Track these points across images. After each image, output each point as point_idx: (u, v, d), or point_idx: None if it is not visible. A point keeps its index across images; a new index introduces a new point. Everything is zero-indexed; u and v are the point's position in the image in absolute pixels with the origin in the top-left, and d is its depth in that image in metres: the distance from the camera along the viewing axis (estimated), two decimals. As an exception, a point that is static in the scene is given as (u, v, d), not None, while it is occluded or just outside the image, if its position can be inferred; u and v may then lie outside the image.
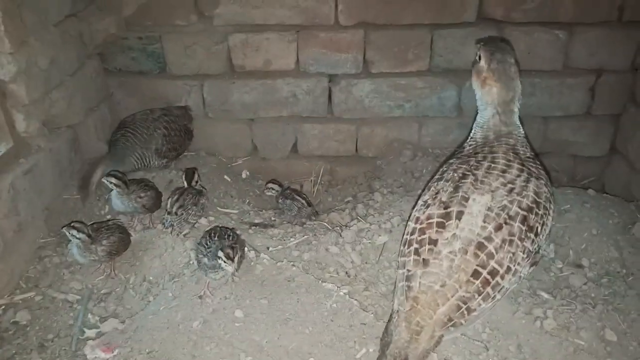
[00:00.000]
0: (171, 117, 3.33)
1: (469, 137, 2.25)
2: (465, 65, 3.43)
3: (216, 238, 2.36)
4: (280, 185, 3.19)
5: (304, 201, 3.12)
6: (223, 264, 2.20)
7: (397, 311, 1.86)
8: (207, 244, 2.34)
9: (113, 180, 2.71)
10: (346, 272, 2.51)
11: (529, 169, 2.02)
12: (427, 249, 1.85)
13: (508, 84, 2.08)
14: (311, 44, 3.40)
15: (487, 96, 2.13)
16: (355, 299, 2.31)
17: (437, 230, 1.87)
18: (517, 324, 2.21)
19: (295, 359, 2.04)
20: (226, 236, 2.40)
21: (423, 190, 2.18)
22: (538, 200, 1.92)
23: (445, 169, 2.12)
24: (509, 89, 2.08)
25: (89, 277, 2.55)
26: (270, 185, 3.18)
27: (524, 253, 1.85)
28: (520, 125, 2.18)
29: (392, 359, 1.79)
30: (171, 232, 2.70)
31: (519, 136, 2.15)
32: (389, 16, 3.30)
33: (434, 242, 1.85)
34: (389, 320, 1.92)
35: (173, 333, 2.13)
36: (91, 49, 3.22)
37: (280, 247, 2.68)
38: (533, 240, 1.87)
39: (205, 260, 2.28)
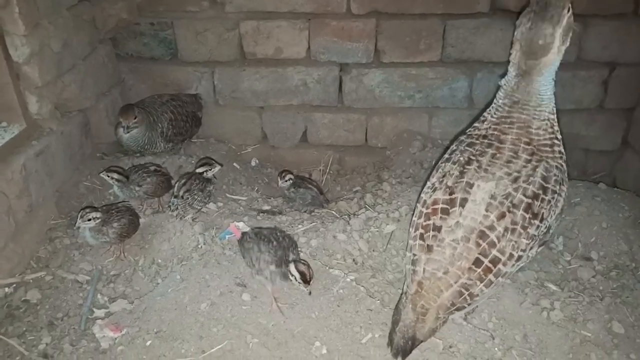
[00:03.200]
0: (179, 102, 3.36)
1: (490, 108, 2.09)
2: (477, 56, 3.42)
3: (276, 243, 2.27)
4: (292, 173, 3.16)
5: (316, 189, 3.12)
6: (296, 283, 2.15)
7: (405, 292, 1.92)
8: (272, 251, 2.23)
9: (115, 175, 2.73)
10: (353, 260, 2.52)
11: (539, 155, 1.91)
12: (431, 235, 1.88)
13: (533, 54, 1.78)
14: (322, 33, 3.40)
15: (512, 60, 1.90)
16: (362, 286, 2.32)
17: (441, 217, 1.88)
18: (523, 314, 2.21)
19: (301, 342, 2.05)
20: (284, 241, 2.31)
21: (432, 170, 2.15)
22: (546, 185, 1.85)
23: (455, 147, 2.06)
24: (535, 58, 1.77)
25: (98, 259, 2.57)
26: (287, 175, 3.08)
27: (527, 239, 1.83)
28: (552, 98, 1.95)
29: (402, 335, 1.88)
30: (175, 216, 2.72)
31: (541, 110, 1.92)
32: (401, 5, 3.29)
33: (437, 229, 1.87)
34: (399, 300, 1.98)
35: (181, 314, 2.16)
36: (103, 33, 3.25)
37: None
38: (538, 226, 1.85)
39: (273, 268, 2.19)
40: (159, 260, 2.58)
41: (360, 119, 3.67)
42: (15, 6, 2.39)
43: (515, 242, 1.81)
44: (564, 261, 2.56)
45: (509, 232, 1.81)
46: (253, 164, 3.73)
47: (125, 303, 2.35)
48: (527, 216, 1.82)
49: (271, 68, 3.51)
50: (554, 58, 1.88)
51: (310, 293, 2.18)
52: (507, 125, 1.97)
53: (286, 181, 3.08)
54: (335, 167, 3.82)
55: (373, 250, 2.56)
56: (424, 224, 1.91)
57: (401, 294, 1.99)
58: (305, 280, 2.13)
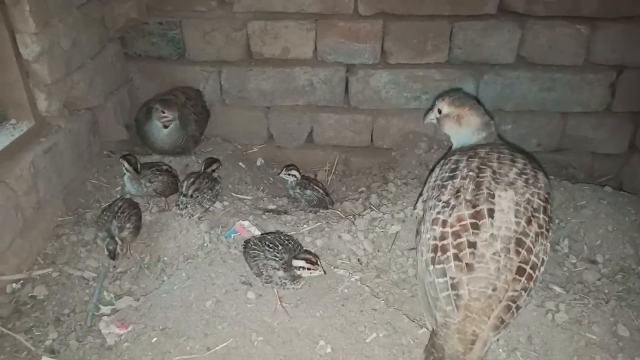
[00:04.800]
0: (194, 101, 3.45)
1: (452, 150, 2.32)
2: (484, 59, 3.43)
3: (281, 247, 2.26)
4: (299, 171, 3.14)
5: (322, 191, 3.13)
6: (307, 272, 2.15)
7: (445, 324, 1.77)
8: (277, 256, 2.21)
9: (125, 164, 2.75)
10: (358, 260, 2.52)
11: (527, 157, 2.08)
12: (468, 253, 1.78)
13: (480, 110, 2.26)
14: (330, 33, 3.41)
15: (467, 127, 2.26)
16: (367, 286, 2.32)
17: (473, 232, 1.81)
18: (528, 316, 2.20)
19: (306, 340, 2.06)
20: (289, 244, 2.30)
21: (424, 188, 2.21)
22: (548, 190, 1.97)
23: (453, 166, 2.05)
24: (484, 114, 2.25)
25: (105, 256, 2.58)
26: (292, 172, 3.09)
27: (548, 242, 1.88)
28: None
29: None
30: (185, 214, 2.73)
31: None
32: (408, 6, 3.29)
33: (473, 245, 1.79)
34: (433, 336, 1.82)
35: (186, 311, 2.17)
36: (112, 32, 3.27)
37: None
38: (550, 229, 1.88)
39: (281, 273, 2.18)
40: (165, 258, 2.59)
41: (366, 120, 3.68)
42: (26, 4, 2.41)
43: (544, 245, 1.84)
44: (569, 264, 2.56)
45: (540, 237, 1.83)
46: (259, 163, 3.74)
47: (131, 300, 2.36)
48: (547, 219, 1.87)
49: (278, 68, 3.52)
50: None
51: (325, 273, 2.19)
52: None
53: (289, 175, 3.08)
54: (341, 167, 3.82)
55: (378, 251, 2.57)
56: (455, 242, 1.81)
57: (433, 331, 1.82)
58: (313, 262, 2.13)
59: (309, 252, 2.21)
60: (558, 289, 2.36)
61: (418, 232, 2.09)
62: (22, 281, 2.40)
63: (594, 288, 2.41)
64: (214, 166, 2.96)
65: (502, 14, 3.31)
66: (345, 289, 2.30)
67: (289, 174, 3.09)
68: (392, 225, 2.66)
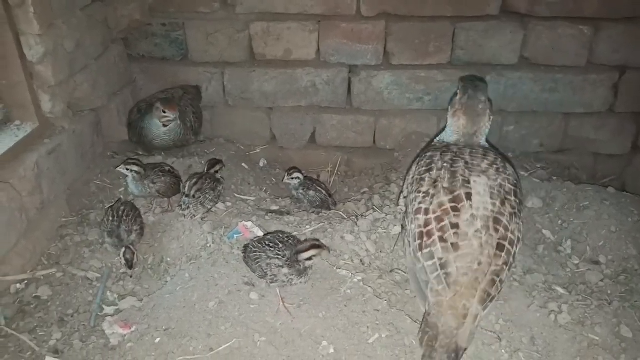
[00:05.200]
0: (191, 95, 3.49)
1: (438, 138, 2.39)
2: (487, 59, 3.43)
3: (282, 245, 2.27)
4: (301, 172, 3.15)
5: (325, 192, 3.14)
6: (317, 258, 2.18)
7: (437, 302, 1.85)
8: (280, 254, 2.22)
9: (135, 168, 2.76)
10: (361, 260, 2.53)
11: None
12: (452, 233, 1.89)
13: (474, 119, 2.26)
14: (332, 34, 3.41)
15: (455, 126, 2.30)
16: (369, 286, 2.32)
17: (454, 215, 1.92)
18: (531, 317, 2.21)
19: (309, 341, 2.06)
20: (289, 241, 2.32)
21: (404, 186, 2.32)
22: (516, 178, 2.12)
23: (428, 161, 2.17)
24: (474, 124, 2.27)
25: (108, 257, 2.60)
26: (294, 175, 3.10)
27: (521, 222, 2.01)
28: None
29: (445, 350, 1.80)
30: (187, 215, 2.74)
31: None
32: (410, 7, 3.30)
33: (456, 226, 1.90)
34: (427, 316, 1.89)
35: (189, 312, 2.17)
36: (116, 34, 3.28)
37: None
38: (522, 211, 2.04)
39: (286, 270, 2.19)
40: (168, 259, 2.60)
41: (368, 121, 3.68)
42: (31, 6, 2.43)
43: (517, 224, 1.97)
44: (572, 265, 2.56)
45: (513, 216, 1.96)
46: (261, 164, 3.75)
47: (134, 300, 2.37)
48: (517, 201, 2.02)
49: (280, 69, 3.53)
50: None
51: (329, 251, 2.26)
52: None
53: (292, 179, 3.09)
54: (344, 168, 3.83)
55: (380, 252, 2.57)
56: (439, 226, 1.92)
57: (426, 312, 1.90)
58: (317, 245, 2.17)
59: (308, 240, 2.25)
60: (561, 290, 2.36)
61: (403, 227, 2.22)
62: (26, 281, 2.41)
63: (596, 289, 2.41)
64: (217, 167, 2.97)
65: (504, 15, 3.32)
66: (348, 290, 2.30)
67: (292, 178, 3.09)
68: (395, 226, 2.67)
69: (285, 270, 2.18)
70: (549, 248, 2.65)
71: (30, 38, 2.49)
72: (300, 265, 2.18)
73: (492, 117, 2.32)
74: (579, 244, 2.65)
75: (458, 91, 2.36)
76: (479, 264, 1.85)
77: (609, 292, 2.38)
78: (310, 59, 3.51)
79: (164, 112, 3.08)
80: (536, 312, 2.22)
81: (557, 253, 2.61)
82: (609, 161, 3.72)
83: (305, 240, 2.26)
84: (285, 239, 2.33)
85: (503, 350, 2.07)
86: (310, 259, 2.18)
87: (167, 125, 3.13)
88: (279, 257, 2.21)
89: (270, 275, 2.21)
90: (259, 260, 2.24)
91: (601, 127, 3.59)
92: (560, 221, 2.75)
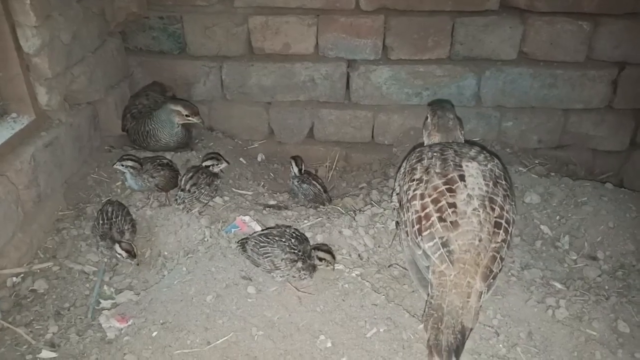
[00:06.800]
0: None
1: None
2: (486, 55, 3.43)
3: (294, 240, 2.32)
4: (302, 160, 3.17)
5: (320, 187, 3.13)
6: (324, 265, 2.27)
7: (440, 284, 1.87)
8: (294, 249, 2.28)
9: (130, 163, 2.77)
10: (359, 255, 2.52)
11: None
12: (450, 212, 1.92)
13: (447, 134, 2.43)
14: (331, 29, 3.40)
15: (431, 138, 2.46)
16: (367, 281, 2.32)
17: (450, 195, 1.97)
18: (528, 311, 2.21)
19: (306, 335, 2.06)
20: (297, 234, 2.39)
21: (395, 184, 2.40)
22: (503, 168, 2.19)
23: (418, 154, 2.25)
24: (448, 138, 2.41)
25: (105, 250, 2.58)
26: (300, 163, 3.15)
27: (513, 203, 2.07)
28: None
29: (451, 331, 1.79)
30: (182, 209, 2.73)
31: None
32: (409, 2, 3.28)
33: (453, 205, 1.94)
34: (430, 299, 1.89)
35: (187, 306, 2.17)
36: (113, 26, 3.26)
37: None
38: (513, 194, 2.10)
39: (300, 264, 2.25)
40: (165, 253, 2.59)
41: (367, 116, 3.67)
42: (27, -3, 2.41)
43: (511, 206, 2.03)
44: (569, 260, 2.56)
45: (507, 198, 2.02)
46: (259, 159, 3.74)
47: (131, 294, 2.36)
48: (508, 185, 2.09)
49: (279, 63, 3.51)
50: None
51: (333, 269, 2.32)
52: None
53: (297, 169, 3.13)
54: (342, 163, 3.82)
55: (378, 246, 2.57)
56: (436, 207, 1.95)
57: (428, 297, 1.91)
58: (334, 257, 2.29)
59: (329, 248, 2.33)
60: (558, 285, 2.36)
61: (398, 224, 2.26)
62: (22, 275, 2.40)
63: (594, 284, 2.41)
64: (210, 162, 2.93)
65: (503, 10, 3.31)
66: (346, 284, 2.30)
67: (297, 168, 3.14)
68: (393, 221, 2.66)
69: (300, 264, 2.23)
70: (546, 243, 2.64)
71: (27, 30, 2.47)
72: (312, 261, 2.25)
73: (463, 132, 2.49)
74: (576, 239, 2.65)
75: (428, 115, 2.54)
76: (480, 240, 1.88)
77: (607, 287, 2.38)
78: (308, 53, 3.50)
79: (187, 116, 3.10)
80: (534, 307, 2.22)
81: (554, 248, 2.61)
82: (607, 157, 3.72)
83: (324, 244, 2.36)
84: (294, 233, 2.39)
85: (501, 345, 2.07)
86: (321, 260, 2.25)
87: (186, 128, 3.19)
88: (295, 251, 2.26)
89: (283, 269, 2.24)
90: (269, 255, 2.27)
91: (600, 123, 3.59)
92: (558, 217, 2.75)
